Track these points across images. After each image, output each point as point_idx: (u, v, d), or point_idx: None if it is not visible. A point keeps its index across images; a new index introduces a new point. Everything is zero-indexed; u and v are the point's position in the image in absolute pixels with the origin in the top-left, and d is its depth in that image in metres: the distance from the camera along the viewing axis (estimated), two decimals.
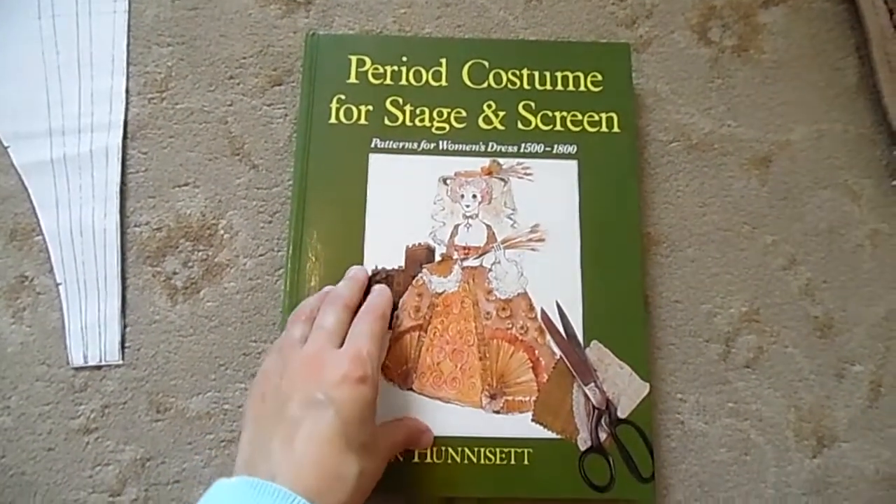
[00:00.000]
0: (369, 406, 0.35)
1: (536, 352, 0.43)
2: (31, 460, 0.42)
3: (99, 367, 0.44)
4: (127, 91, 0.48)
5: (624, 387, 0.42)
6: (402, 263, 0.44)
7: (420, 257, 0.44)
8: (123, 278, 0.45)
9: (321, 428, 0.33)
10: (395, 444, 0.39)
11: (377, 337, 0.38)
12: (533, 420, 0.42)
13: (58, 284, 0.45)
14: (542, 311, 0.43)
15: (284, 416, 0.34)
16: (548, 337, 0.43)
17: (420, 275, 0.44)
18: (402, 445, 0.40)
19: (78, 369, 0.44)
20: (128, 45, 0.49)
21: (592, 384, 0.42)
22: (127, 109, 0.48)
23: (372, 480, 0.35)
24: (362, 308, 0.39)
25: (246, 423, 0.35)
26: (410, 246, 0.44)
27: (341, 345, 0.37)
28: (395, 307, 0.43)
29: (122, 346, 0.44)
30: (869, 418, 0.45)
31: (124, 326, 0.44)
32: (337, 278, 0.43)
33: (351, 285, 0.41)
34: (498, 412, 0.42)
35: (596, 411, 0.42)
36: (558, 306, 0.43)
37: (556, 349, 0.43)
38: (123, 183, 0.46)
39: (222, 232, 0.46)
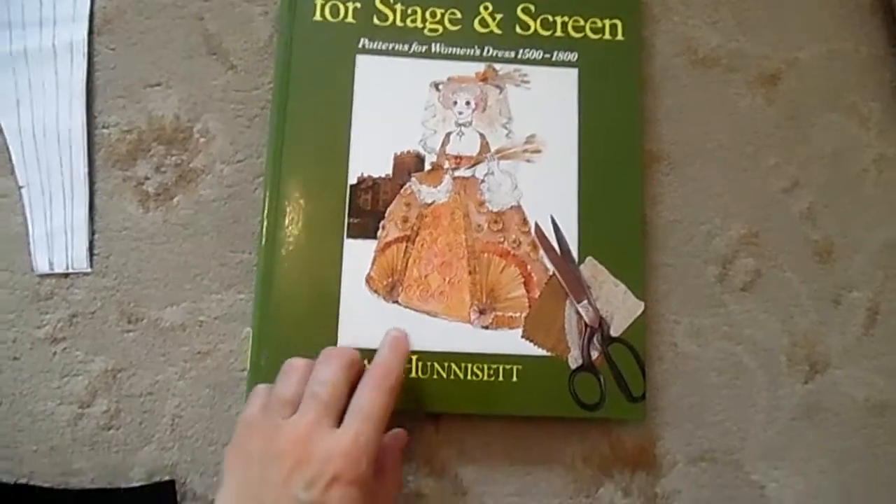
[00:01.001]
0: None
1: (529, 267, 0.41)
2: None
3: (66, 275, 0.41)
4: None
5: (618, 305, 0.41)
6: (390, 171, 0.41)
7: (409, 165, 0.41)
8: (91, 182, 0.42)
9: None
10: None
11: (380, 418, 0.33)
12: (523, 336, 0.40)
13: (20, 187, 0.42)
14: (536, 226, 0.41)
15: (267, 496, 0.31)
16: (541, 252, 0.41)
17: (409, 184, 0.41)
18: None
19: (43, 276, 0.41)
20: None
21: (585, 301, 0.41)
22: (93, 1, 0.44)
23: None
24: (370, 370, 0.35)
25: (227, 479, 0.33)
26: (399, 153, 0.42)
27: (339, 417, 0.33)
28: (382, 217, 0.41)
29: (91, 254, 0.41)
30: (863, 346, 0.44)
31: (92, 233, 0.42)
32: (320, 187, 0.41)
33: (395, 356, 0.36)
34: (487, 328, 0.40)
35: (588, 329, 0.40)
36: (553, 221, 0.41)
37: (549, 265, 0.41)
38: (90, 80, 0.43)
39: (198, 136, 0.43)
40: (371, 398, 0.33)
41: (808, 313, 0.44)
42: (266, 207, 0.40)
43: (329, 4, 0.43)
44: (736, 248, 0.44)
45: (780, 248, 0.44)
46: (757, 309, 0.44)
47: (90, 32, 0.43)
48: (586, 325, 0.40)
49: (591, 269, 0.41)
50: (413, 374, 0.39)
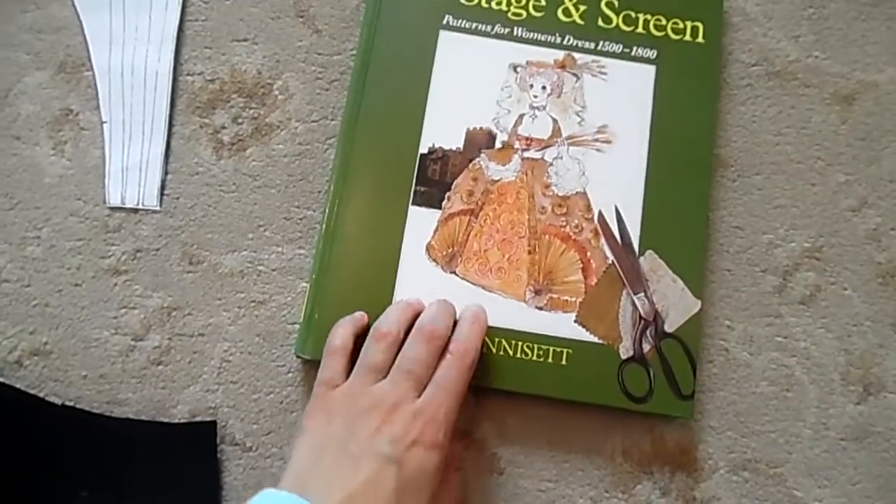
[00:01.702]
0: (433, 474, 0.34)
1: (588, 253, 0.41)
2: (56, 293, 0.41)
3: (135, 211, 0.42)
4: None
5: (674, 301, 0.41)
6: (461, 145, 0.42)
7: (480, 141, 0.42)
8: (170, 125, 0.43)
9: (379, 482, 0.32)
10: None
11: (459, 393, 0.35)
12: (576, 321, 0.40)
13: (103, 122, 0.43)
14: (600, 213, 0.41)
15: (347, 452, 0.33)
16: (602, 240, 0.41)
17: (478, 159, 0.42)
18: None
19: (114, 209, 0.42)
20: None
21: (642, 294, 0.40)
22: None
23: None
24: (452, 345, 0.36)
25: (304, 434, 0.34)
26: (471, 129, 0.42)
27: (423, 388, 0.35)
28: (448, 188, 0.41)
29: (161, 193, 0.42)
30: None
31: (165, 173, 0.43)
32: (391, 153, 0.41)
33: (441, 315, 0.37)
34: (541, 308, 0.40)
35: (642, 321, 0.40)
36: (616, 210, 0.41)
37: (608, 253, 0.41)
38: (181, 29, 0.44)
39: (277, 92, 0.44)
40: (452, 374, 0.35)
41: (867, 334, 0.43)
42: (336, 167, 0.41)
43: None
44: (798, 260, 0.44)
45: (843, 265, 0.44)
46: (814, 324, 0.43)
47: None
48: (641, 317, 0.40)
49: (651, 263, 0.41)
50: None
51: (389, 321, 0.37)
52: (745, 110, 0.46)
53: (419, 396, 0.35)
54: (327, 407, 0.35)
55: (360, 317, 0.38)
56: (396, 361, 0.36)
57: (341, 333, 0.37)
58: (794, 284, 0.43)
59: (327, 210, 0.41)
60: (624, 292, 0.41)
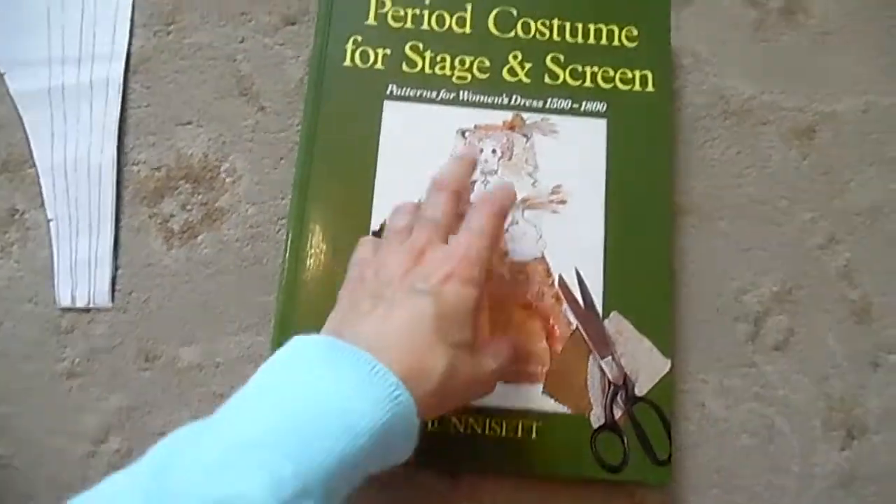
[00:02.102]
0: (472, 308, 0.32)
1: (551, 320, 0.40)
2: (9, 401, 0.40)
3: (87, 310, 0.41)
4: (132, 21, 0.45)
5: (643, 362, 0.39)
6: None
7: None
8: (117, 218, 0.42)
9: (416, 314, 0.31)
10: (499, 352, 0.35)
11: (491, 235, 0.34)
12: (544, 392, 0.39)
13: (49, 220, 0.42)
14: (560, 278, 0.40)
15: (381, 296, 0.32)
16: (564, 305, 0.40)
17: None
18: (508, 358, 0.36)
19: (65, 310, 0.41)
20: None
21: (609, 357, 0.39)
22: (131, 41, 0.45)
23: (466, 387, 0.33)
24: (480, 197, 0.36)
25: (338, 303, 0.34)
26: (422, 201, 0.41)
27: (446, 238, 0.34)
28: None
29: (113, 289, 0.42)
30: None
31: (116, 269, 0.42)
32: (343, 230, 0.40)
33: (459, 167, 0.37)
34: (507, 381, 0.39)
35: (612, 387, 0.39)
36: (577, 273, 0.40)
37: (572, 318, 0.40)
38: (123, 118, 0.44)
39: (224, 175, 0.43)
40: (483, 216, 0.34)
41: (846, 376, 0.42)
42: (288, 250, 0.40)
43: (359, 50, 0.43)
44: (768, 305, 0.43)
45: (816, 306, 0.43)
46: (791, 370, 0.42)
47: (126, 70, 0.44)
48: (610, 382, 0.39)
49: (616, 324, 0.40)
50: (429, 428, 0.38)
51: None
52: (704, 154, 0.45)
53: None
54: (358, 273, 0.34)
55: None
56: (417, 216, 0.35)
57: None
58: (766, 330, 0.42)
59: (281, 295, 0.40)
60: (591, 358, 0.39)
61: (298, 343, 0.30)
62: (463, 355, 0.32)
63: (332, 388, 0.28)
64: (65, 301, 0.41)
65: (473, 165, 0.38)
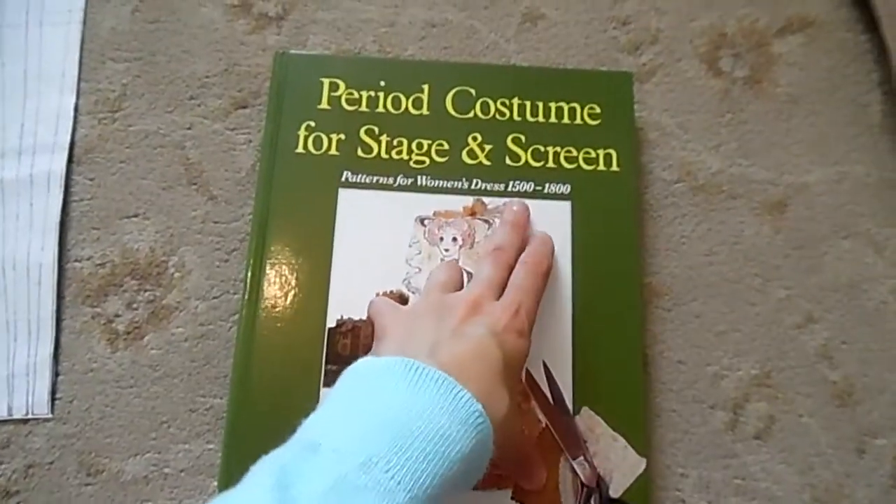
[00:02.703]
0: (524, 361, 0.34)
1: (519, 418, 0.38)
2: None
3: (25, 421, 0.39)
4: (76, 110, 0.43)
5: (617, 461, 0.37)
6: None
7: None
8: (58, 320, 0.40)
9: (484, 349, 0.31)
10: (518, 445, 0.34)
11: (536, 293, 0.35)
12: (513, 498, 0.36)
13: None
14: (527, 373, 0.38)
15: (447, 325, 0.32)
16: (532, 402, 0.38)
17: None
18: (515, 463, 0.35)
19: (1, 422, 0.39)
20: (80, 59, 0.44)
21: (581, 458, 0.37)
22: (75, 130, 0.43)
23: (509, 439, 0.31)
24: (523, 257, 0.37)
25: (391, 329, 0.33)
26: (381, 294, 0.39)
27: (498, 296, 0.35)
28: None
29: (53, 398, 0.39)
30: (892, 499, 0.40)
31: (56, 375, 0.39)
32: (297, 327, 0.38)
33: (511, 233, 0.38)
34: (474, 488, 0.37)
35: (585, 489, 0.37)
36: (545, 367, 0.38)
37: (541, 416, 0.38)
38: (65, 212, 0.42)
39: (173, 270, 0.41)
40: (527, 275, 0.36)
41: (830, 464, 0.40)
42: (238, 350, 0.38)
43: (312, 136, 0.41)
44: (746, 390, 0.41)
45: (796, 390, 0.41)
46: (773, 459, 0.40)
47: (69, 161, 0.43)
48: (582, 484, 0.37)
49: (588, 421, 0.38)
50: None
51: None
52: (673, 231, 0.43)
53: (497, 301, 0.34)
54: (410, 310, 0.35)
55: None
56: (473, 276, 0.36)
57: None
58: (746, 418, 0.40)
59: (232, 399, 0.37)
60: (562, 458, 0.37)
61: (365, 368, 0.30)
62: (515, 405, 0.32)
63: (422, 410, 0.27)
64: (1, 412, 0.39)
65: (526, 226, 0.39)
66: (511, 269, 0.36)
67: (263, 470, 0.27)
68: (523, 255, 0.37)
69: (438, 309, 0.33)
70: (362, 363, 0.30)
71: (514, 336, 0.32)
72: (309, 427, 0.29)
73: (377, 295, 0.39)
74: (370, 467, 0.25)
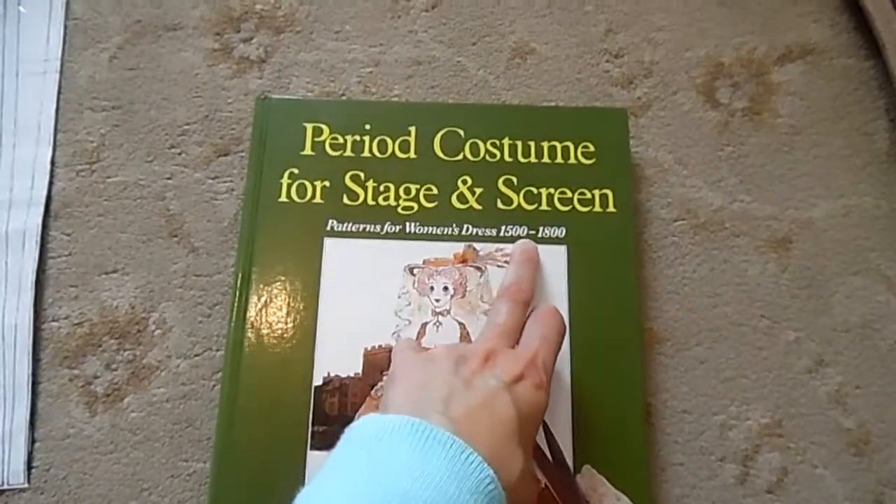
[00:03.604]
0: (542, 414, 0.31)
1: None
2: None
3: (0, 492, 0.37)
4: (53, 162, 0.42)
5: None
6: (360, 370, 0.37)
7: (381, 363, 0.37)
8: (34, 383, 0.38)
9: (497, 407, 0.29)
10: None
11: (554, 344, 0.34)
12: None
13: None
14: None
15: (460, 377, 0.30)
16: (532, 461, 0.36)
17: (380, 384, 0.37)
18: None
19: None
20: (57, 109, 0.43)
21: None
22: (51, 184, 0.42)
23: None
24: (540, 308, 0.35)
25: (404, 376, 0.31)
26: (369, 349, 0.37)
27: (514, 346, 0.33)
28: (350, 423, 0.36)
29: (29, 467, 0.37)
30: None
31: (32, 442, 0.38)
32: (282, 386, 0.36)
33: (525, 271, 0.37)
34: None
35: None
36: (544, 424, 0.36)
37: (540, 475, 0.36)
38: (41, 270, 0.40)
39: (153, 327, 0.40)
40: (545, 324, 0.34)
41: None
42: (220, 412, 0.36)
43: (296, 184, 0.40)
44: (756, 441, 0.39)
45: (809, 439, 0.39)
46: None
47: (45, 217, 0.41)
48: None
49: (590, 480, 0.36)
50: None
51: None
52: (674, 273, 0.41)
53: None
54: (420, 358, 0.32)
55: None
56: (487, 320, 0.34)
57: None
58: (757, 471, 0.38)
59: (215, 464, 0.36)
60: None
61: (378, 424, 0.28)
62: (530, 464, 0.30)
63: (430, 478, 0.26)
64: None
65: (538, 266, 0.38)
66: (528, 305, 0.35)
67: None
68: (541, 306, 0.35)
69: (456, 357, 0.31)
70: (366, 423, 0.28)
71: (531, 389, 0.31)
72: (309, 499, 0.27)
73: (366, 350, 0.37)
74: None
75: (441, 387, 0.30)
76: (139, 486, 0.37)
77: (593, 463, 0.36)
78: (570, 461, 0.36)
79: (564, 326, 0.35)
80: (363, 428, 0.28)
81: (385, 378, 0.37)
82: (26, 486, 0.37)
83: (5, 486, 0.37)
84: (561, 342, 0.34)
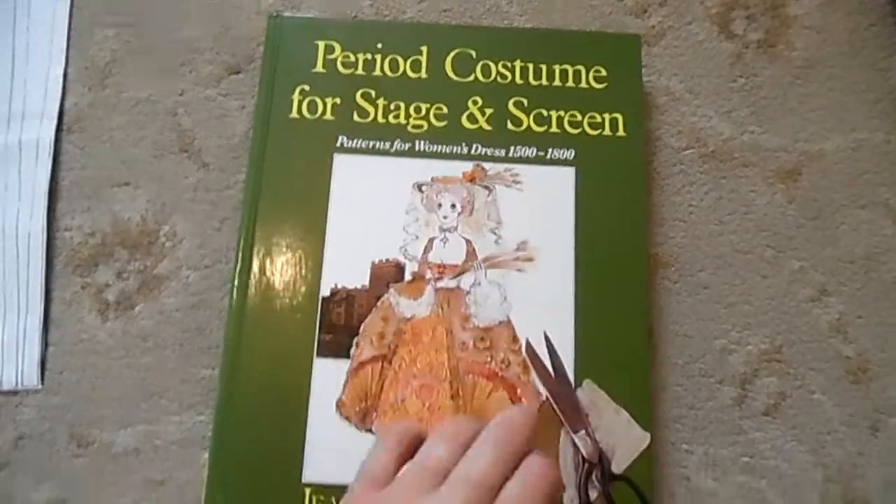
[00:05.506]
0: None
1: (518, 391, 0.36)
2: None
3: (15, 392, 0.38)
4: (65, 77, 0.42)
5: (620, 436, 0.36)
6: (367, 282, 0.38)
7: (387, 275, 0.38)
8: (48, 290, 0.39)
9: None
10: None
11: (490, 488, 0.27)
12: None
13: None
14: (528, 343, 0.37)
15: None
16: (533, 374, 0.37)
17: (386, 296, 0.37)
18: None
19: None
20: (69, 26, 0.43)
21: (583, 432, 0.36)
22: (64, 98, 0.42)
23: None
24: (483, 435, 0.28)
25: None
26: (377, 262, 0.38)
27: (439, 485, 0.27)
28: (356, 333, 0.37)
29: (42, 369, 0.38)
30: None
31: (45, 346, 0.39)
32: (291, 296, 0.37)
33: (494, 455, 0.28)
34: None
35: (586, 464, 0.35)
36: (546, 338, 0.37)
37: (541, 388, 0.36)
38: (54, 181, 0.41)
39: (164, 239, 0.40)
40: (481, 465, 0.27)
41: (843, 442, 0.38)
42: (230, 320, 0.37)
43: (307, 100, 0.40)
44: (756, 365, 0.39)
45: (808, 365, 0.39)
46: (783, 437, 0.38)
47: (58, 130, 0.41)
48: (584, 459, 0.35)
49: (590, 394, 0.36)
50: None
51: (459, 420, 0.29)
52: (681, 200, 0.41)
53: None
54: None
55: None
56: (458, 467, 0.27)
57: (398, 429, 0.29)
58: (755, 393, 0.39)
59: (224, 370, 0.36)
60: (563, 432, 0.36)
61: None
62: None
63: None
64: None
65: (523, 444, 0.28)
66: (464, 448, 0.28)
67: None
68: (484, 431, 0.28)
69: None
70: None
71: None
72: None
73: (373, 263, 0.38)
74: None
75: None
76: (149, 391, 0.38)
77: (594, 379, 0.37)
78: (571, 376, 0.37)
79: (520, 440, 0.27)
80: None
81: (391, 289, 0.37)
82: (40, 387, 0.38)
83: (19, 388, 0.38)
84: (507, 470, 0.27)
